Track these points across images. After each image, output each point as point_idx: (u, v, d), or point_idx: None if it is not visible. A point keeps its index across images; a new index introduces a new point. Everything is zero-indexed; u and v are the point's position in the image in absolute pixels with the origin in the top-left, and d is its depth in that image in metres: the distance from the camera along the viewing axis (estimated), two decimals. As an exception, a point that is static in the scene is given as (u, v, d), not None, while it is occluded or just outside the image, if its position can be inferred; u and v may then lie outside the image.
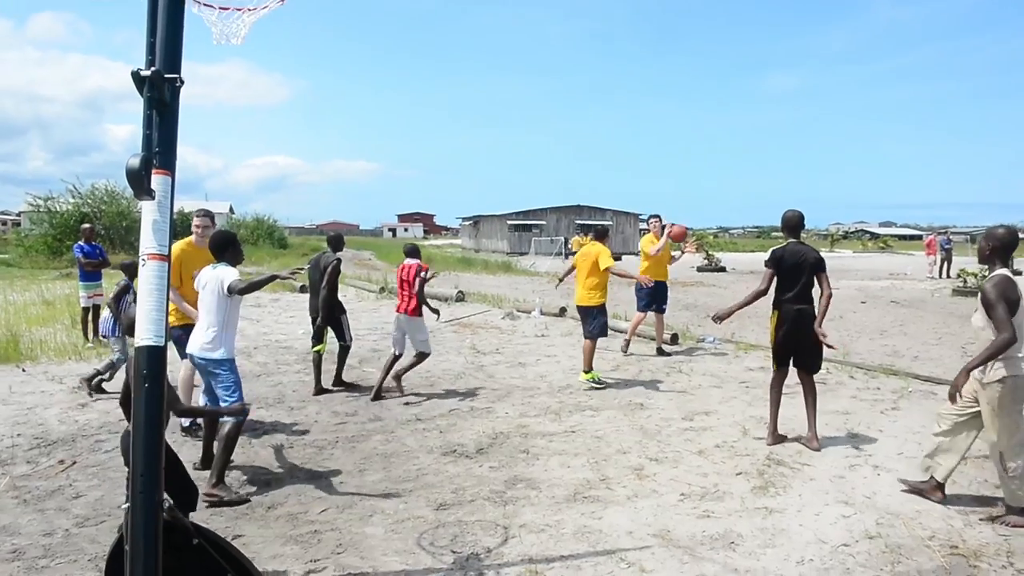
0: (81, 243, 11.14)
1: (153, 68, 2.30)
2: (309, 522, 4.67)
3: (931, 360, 10.25)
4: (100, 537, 4.41)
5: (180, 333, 6.04)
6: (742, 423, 6.86)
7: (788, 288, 6.25)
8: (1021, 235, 5.41)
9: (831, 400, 7.70)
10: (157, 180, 2.27)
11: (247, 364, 9.84)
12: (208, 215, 6.58)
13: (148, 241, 2.26)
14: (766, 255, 6.37)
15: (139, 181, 2.19)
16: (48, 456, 5.93)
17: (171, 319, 5.65)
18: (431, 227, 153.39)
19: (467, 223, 74.56)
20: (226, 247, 5.32)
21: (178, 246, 6.11)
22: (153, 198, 2.25)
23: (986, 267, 4.89)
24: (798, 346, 6.29)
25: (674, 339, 11.36)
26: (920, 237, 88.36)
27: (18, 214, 62.33)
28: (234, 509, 4.86)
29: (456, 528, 4.55)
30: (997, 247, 4.78)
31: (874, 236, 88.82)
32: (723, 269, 33.02)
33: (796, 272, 6.21)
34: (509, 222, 59.49)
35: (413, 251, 8.34)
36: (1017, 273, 5.59)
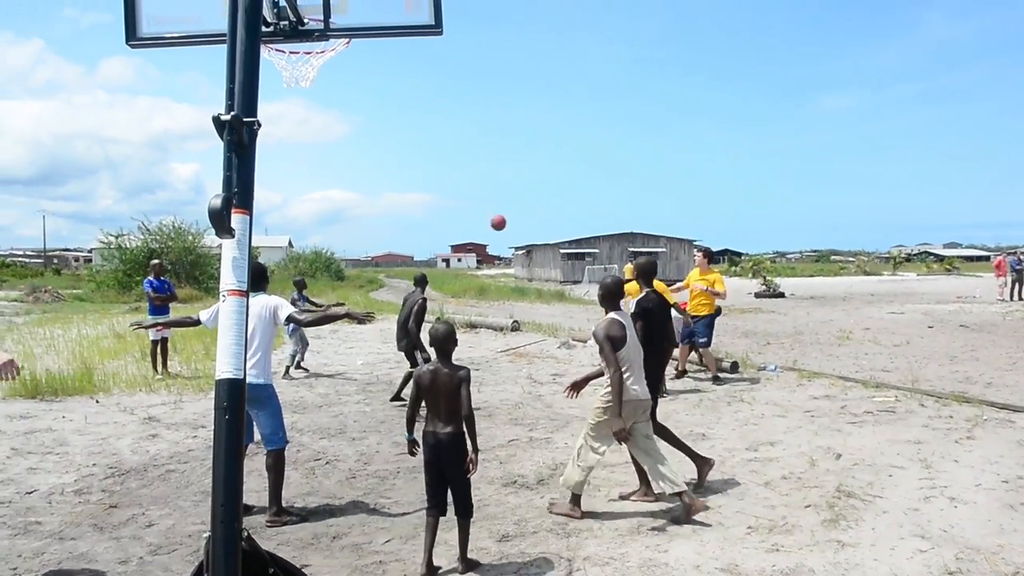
0: (151, 278, 11.55)
1: (232, 113, 2.41)
2: (374, 552, 4.71)
3: (1006, 387, 9.85)
4: (173, 565, 4.53)
5: None
6: (809, 454, 6.68)
7: (659, 334, 5.82)
8: None
9: (902, 429, 7.46)
10: (236, 219, 2.36)
11: (308, 395, 10.03)
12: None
13: (228, 278, 2.35)
14: (632, 308, 5.79)
15: (220, 220, 2.29)
16: (122, 485, 6.12)
17: None
18: (484, 257, 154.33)
19: (520, 252, 74.85)
20: (261, 278, 5.58)
21: None
22: (233, 236, 2.35)
23: None
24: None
25: (734, 367, 11.16)
26: (988, 258, 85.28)
27: (90, 251, 65.04)
28: (300, 539, 4.93)
29: (520, 560, 4.53)
30: None
31: (939, 258, 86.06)
32: (782, 295, 32.39)
33: (663, 319, 6.00)
34: (562, 251, 59.53)
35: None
36: None
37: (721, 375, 10.55)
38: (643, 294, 6.00)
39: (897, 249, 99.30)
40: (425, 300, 9.06)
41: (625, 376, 5.12)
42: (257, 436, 5.39)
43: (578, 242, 59.94)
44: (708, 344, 10.54)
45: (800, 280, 49.17)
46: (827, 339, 15.95)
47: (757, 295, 32.34)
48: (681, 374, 10.72)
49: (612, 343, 5.10)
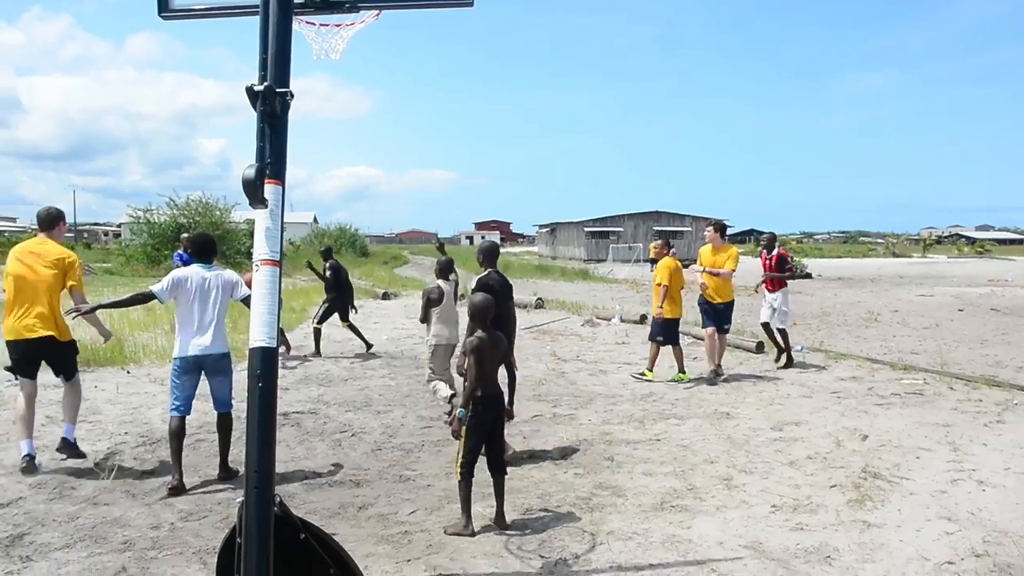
0: (180, 251, 11.68)
1: (266, 83, 2.42)
2: (399, 523, 4.77)
3: (1039, 371, 9.69)
4: (203, 531, 4.62)
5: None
6: (834, 434, 6.64)
7: (500, 315, 5.60)
8: None
9: (930, 412, 7.38)
10: (269, 189, 2.38)
11: (334, 369, 10.14)
12: None
13: (261, 247, 2.37)
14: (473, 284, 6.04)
15: (254, 191, 2.31)
16: (152, 453, 6.24)
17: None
18: (508, 235, 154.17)
19: (544, 230, 74.71)
20: (214, 249, 5.83)
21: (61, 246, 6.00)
22: (266, 207, 2.36)
23: None
24: None
25: (759, 348, 11.09)
26: (1021, 241, 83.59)
27: (119, 225, 65.94)
28: (327, 509, 5.00)
29: (543, 533, 4.57)
30: None
31: (970, 240, 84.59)
32: (809, 276, 32.05)
33: (504, 298, 5.97)
34: (586, 229, 59.33)
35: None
36: None
37: (720, 374, 9.24)
38: (485, 273, 6.23)
39: (927, 231, 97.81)
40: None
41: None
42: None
43: (603, 220, 59.68)
44: (727, 331, 9.50)
45: (827, 261, 48.60)
46: (855, 321, 15.79)
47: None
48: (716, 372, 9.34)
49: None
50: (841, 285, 27.67)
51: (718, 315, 9.20)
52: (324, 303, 11.69)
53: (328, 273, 11.54)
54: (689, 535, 4.52)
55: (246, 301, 5.70)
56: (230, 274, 5.72)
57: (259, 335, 2.30)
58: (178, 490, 5.28)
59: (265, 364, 2.29)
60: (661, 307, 9.00)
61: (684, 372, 9.19)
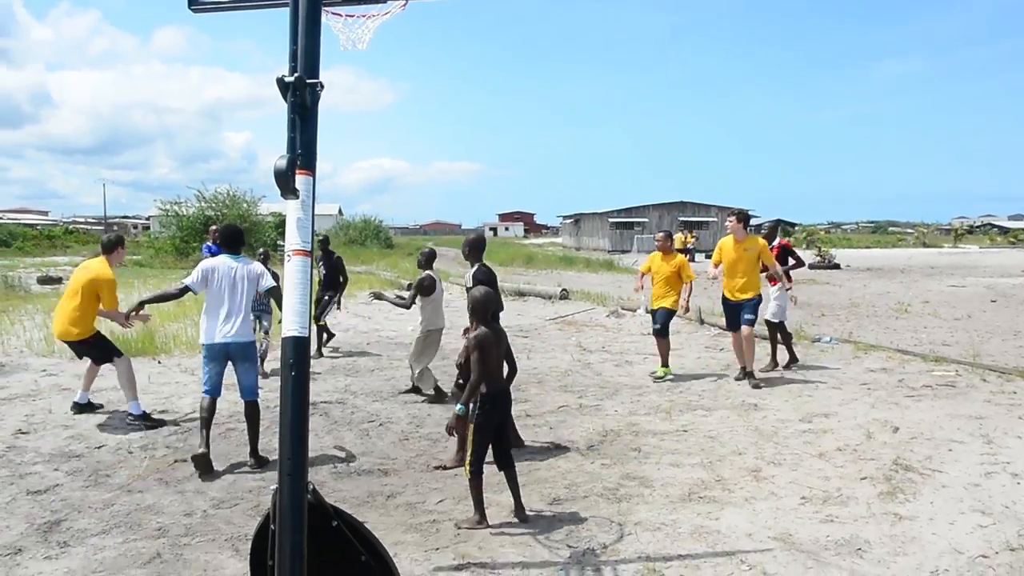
0: (209, 243, 11.82)
1: (296, 74, 2.43)
2: (427, 512, 4.80)
3: (1075, 363, 9.49)
4: (234, 518, 4.69)
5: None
6: (865, 426, 6.56)
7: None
8: None
9: (962, 404, 7.27)
10: (300, 180, 2.40)
11: (361, 360, 10.21)
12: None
13: (293, 238, 2.39)
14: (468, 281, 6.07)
15: (285, 181, 2.32)
16: (184, 442, 6.33)
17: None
18: (531, 226, 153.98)
19: (568, 221, 74.52)
20: (241, 240, 5.97)
21: (112, 274, 6.85)
22: (297, 197, 2.38)
23: None
24: None
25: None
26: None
27: (148, 218, 66.86)
28: (356, 497, 5.05)
29: (571, 523, 4.57)
30: None
31: (1003, 230, 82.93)
32: (837, 266, 31.67)
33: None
34: (611, 220, 59.08)
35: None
36: None
37: (757, 376, 8.47)
38: (475, 268, 6.15)
39: (959, 221, 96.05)
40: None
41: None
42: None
43: (627, 211, 59.38)
44: (753, 325, 8.47)
45: (856, 251, 47.98)
46: (884, 311, 15.58)
47: (811, 266, 31.62)
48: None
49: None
50: (870, 275, 27.30)
51: (743, 311, 8.33)
52: (325, 297, 10.77)
53: (322, 267, 10.74)
54: (718, 526, 4.50)
55: (271, 292, 5.84)
56: (256, 265, 5.89)
57: (292, 324, 2.32)
58: (203, 459, 5.47)
59: (298, 353, 2.32)
60: (687, 300, 8.94)
61: (668, 367, 8.83)
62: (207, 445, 5.59)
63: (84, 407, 7.19)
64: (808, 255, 35.59)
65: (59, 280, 23.10)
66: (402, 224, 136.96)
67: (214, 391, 5.72)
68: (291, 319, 2.32)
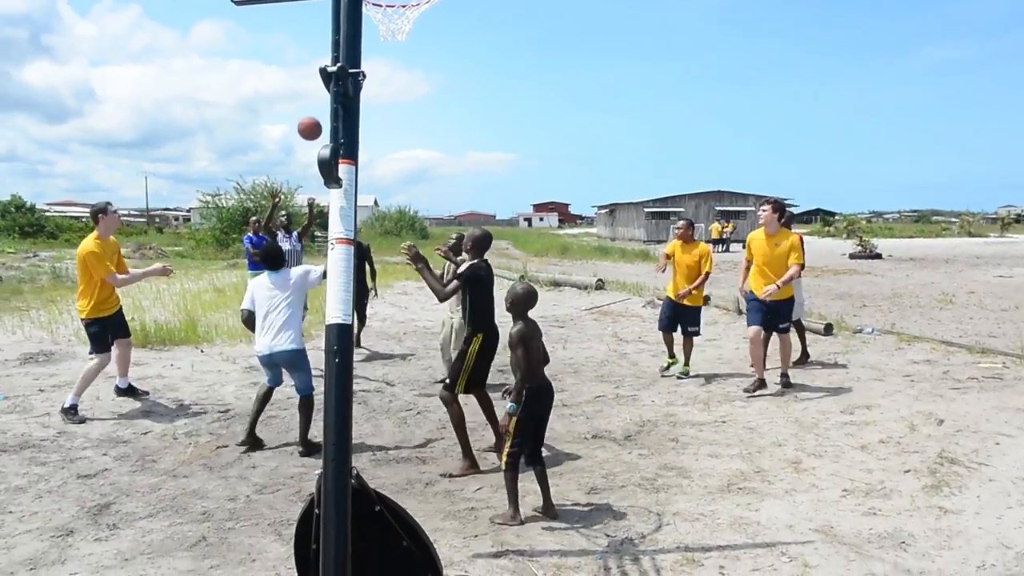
0: (250, 235, 11.99)
1: (338, 64, 2.46)
2: (465, 499, 4.84)
3: None
4: (277, 504, 4.78)
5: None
6: (908, 418, 6.44)
7: (490, 308, 5.55)
8: None
9: (1010, 396, 7.09)
10: (343, 169, 2.42)
11: (398, 349, 10.30)
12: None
13: (336, 227, 2.42)
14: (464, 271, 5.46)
15: (329, 170, 2.35)
16: (227, 429, 6.46)
17: (109, 306, 6.98)
18: (566, 216, 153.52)
19: (603, 211, 74.06)
20: (280, 258, 6.17)
21: (95, 244, 6.81)
22: (341, 186, 2.41)
23: None
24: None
25: (828, 329, 10.81)
26: (1110, 220, 79.12)
27: (188, 210, 68.02)
28: (395, 484, 5.11)
29: (609, 512, 4.57)
30: None
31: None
32: (879, 256, 31.05)
33: (491, 291, 5.63)
34: (646, 209, 58.59)
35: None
36: None
37: (790, 382, 7.69)
38: (474, 262, 5.56)
39: (1005, 209, 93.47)
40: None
41: None
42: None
43: (663, 200, 58.82)
44: (788, 331, 7.74)
45: (898, 241, 46.97)
46: (928, 302, 15.25)
47: (852, 256, 31.11)
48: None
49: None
50: (913, 266, 26.72)
51: (774, 313, 7.48)
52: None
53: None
54: (757, 517, 4.46)
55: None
56: (295, 271, 6.10)
57: (336, 312, 2.35)
58: (251, 445, 5.89)
59: (341, 341, 2.35)
60: (692, 291, 8.17)
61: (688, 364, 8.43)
62: (250, 430, 5.93)
63: (125, 391, 7.36)
64: (849, 245, 34.99)
65: (104, 271, 23.66)
66: (437, 215, 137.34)
67: (273, 381, 6.09)
68: (335, 307, 2.35)
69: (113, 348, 7.10)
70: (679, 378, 8.20)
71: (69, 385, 7.92)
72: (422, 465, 5.54)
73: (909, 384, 7.72)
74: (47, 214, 51.18)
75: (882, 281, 20.39)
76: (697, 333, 8.46)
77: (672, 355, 8.57)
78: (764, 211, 7.57)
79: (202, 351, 9.94)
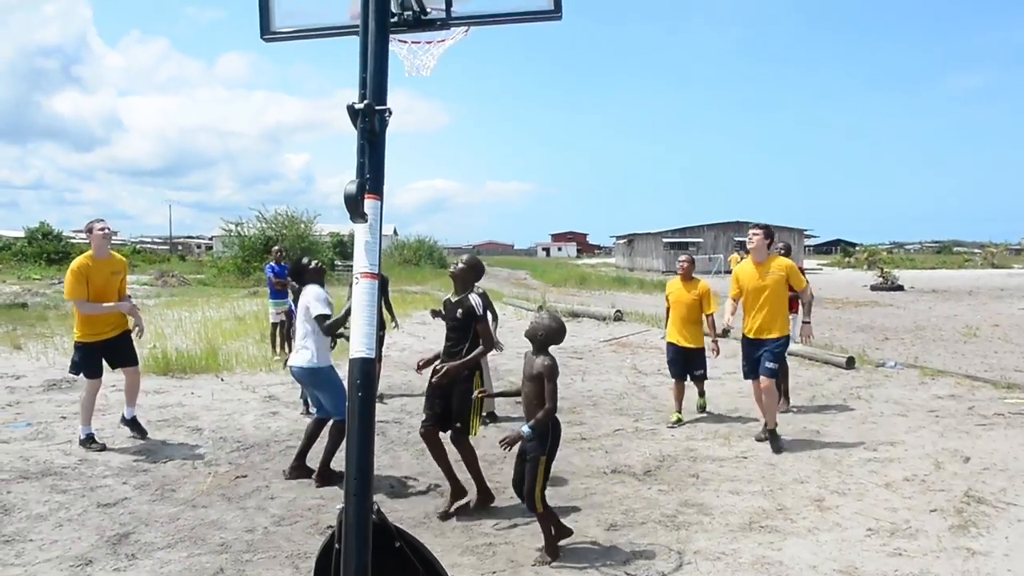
0: (272, 264, 12.11)
1: (365, 101, 2.50)
2: (483, 535, 4.80)
3: None
4: (295, 536, 4.76)
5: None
6: (934, 456, 6.33)
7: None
8: None
9: (1039, 434, 6.96)
10: (368, 204, 2.45)
11: (416, 380, 10.28)
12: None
13: (361, 261, 2.44)
14: (477, 302, 5.23)
15: (355, 206, 2.38)
16: (246, 459, 6.47)
17: (100, 331, 6.65)
18: (584, 246, 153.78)
19: (621, 241, 74.11)
20: (300, 271, 6.24)
21: (80, 262, 6.57)
22: (366, 221, 2.43)
23: None
24: None
25: (850, 363, 10.69)
26: None
27: (211, 238, 68.87)
28: (412, 518, 5.08)
29: (628, 550, 4.51)
30: None
31: (1079, 251, 79.32)
32: (900, 288, 30.75)
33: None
34: (664, 240, 58.55)
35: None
36: None
37: (775, 435, 6.76)
38: (483, 293, 5.43)
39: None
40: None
41: None
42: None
43: (682, 231, 58.80)
44: (776, 374, 6.75)
45: (920, 272, 46.50)
46: (951, 335, 15.05)
47: (873, 288, 30.86)
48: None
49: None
50: (935, 298, 26.42)
51: (767, 356, 6.65)
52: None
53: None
54: (780, 557, 4.38)
55: (318, 319, 5.85)
56: (307, 292, 6.04)
57: (359, 346, 2.36)
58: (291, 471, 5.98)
59: (364, 375, 2.35)
60: (721, 331, 7.52)
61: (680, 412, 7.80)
62: (295, 457, 6.02)
63: (128, 423, 6.98)
64: (870, 276, 34.69)
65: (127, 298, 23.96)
66: (455, 244, 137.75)
67: (316, 410, 6.26)
68: (358, 341, 2.36)
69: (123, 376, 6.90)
70: (698, 412, 8.09)
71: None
72: (440, 498, 5.50)
73: (934, 420, 7.60)
74: (72, 241, 52.02)
75: (904, 313, 20.17)
76: (704, 376, 7.95)
77: (680, 409, 7.78)
78: (755, 236, 6.76)
79: (222, 380, 9.99)
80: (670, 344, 7.90)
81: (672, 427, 7.51)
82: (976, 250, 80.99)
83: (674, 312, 7.83)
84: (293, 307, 7.70)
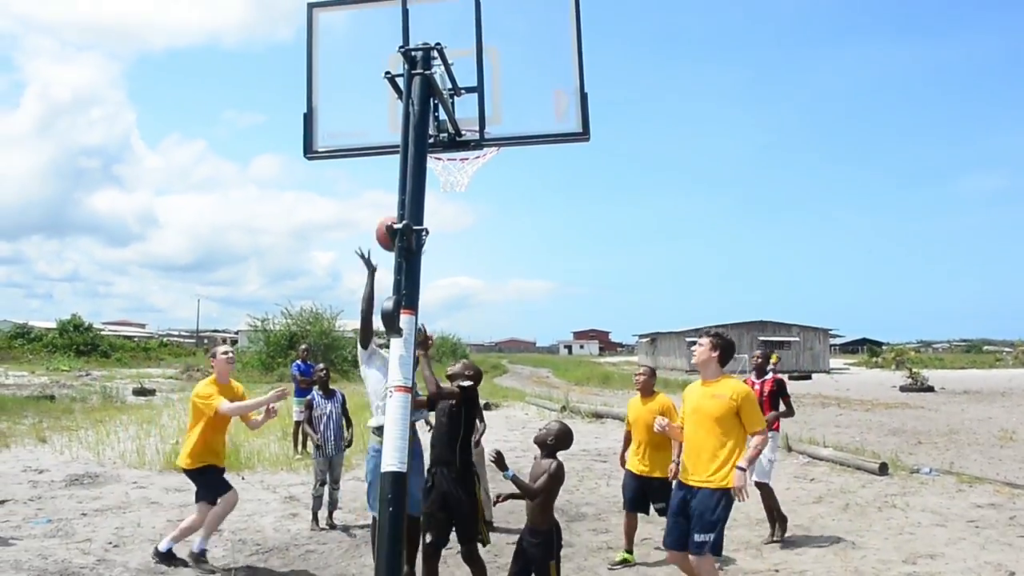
0: (298, 362, 12.21)
1: (404, 222, 2.62)
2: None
3: None
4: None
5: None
6: (976, 570, 6.08)
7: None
8: None
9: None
10: (403, 319, 2.53)
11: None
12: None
13: (395, 375, 2.50)
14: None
15: (392, 321, 2.46)
16: (265, 562, 6.36)
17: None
18: (606, 344, 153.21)
19: (644, 340, 73.89)
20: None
21: (206, 389, 6.20)
22: (402, 335, 2.51)
23: None
24: None
25: (883, 469, 10.41)
26: None
27: (236, 332, 69.70)
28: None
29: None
30: None
31: (1115, 352, 77.46)
32: (931, 389, 30.15)
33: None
34: (688, 339, 58.21)
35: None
36: None
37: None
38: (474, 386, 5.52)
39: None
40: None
41: None
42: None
43: (705, 330, 58.56)
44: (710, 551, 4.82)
45: (949, 372, 45.65)
46: (987, 439, 14.65)
47: (903, 389, 30.28)
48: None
49: None
50: (968, 399, 25.84)
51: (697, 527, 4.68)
52: None
53: None
54: None
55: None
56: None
57: (391, 459, 2.39)
58: None
59: (395, 488, 2.37)
60: (676, 460, 5.80)
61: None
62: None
63: (165, 556, 6.20)
64: (899, 376, 34.09)
65: (153, 392, 24.12)
66: (478, 341, 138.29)
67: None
68: (390, 454, 2.39)
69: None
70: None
71: (112, 509, 7.97)
72: (463, 608, 5.35)
73: (974, 531, 7.33)
74: (102, 333, 52.87)
75: (936, 416, 19.71)
76: (667, 511, 5.19)
77: (630, 548, 6.48)
78: (700, 346, 5.10)
79: (243, 478, 9.92)
80: (628, 472, 6.52)
81: (613, 568, 6.29)
82: (1007, 348, 79.45)
83: (634, 434, 6.47)
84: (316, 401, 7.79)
